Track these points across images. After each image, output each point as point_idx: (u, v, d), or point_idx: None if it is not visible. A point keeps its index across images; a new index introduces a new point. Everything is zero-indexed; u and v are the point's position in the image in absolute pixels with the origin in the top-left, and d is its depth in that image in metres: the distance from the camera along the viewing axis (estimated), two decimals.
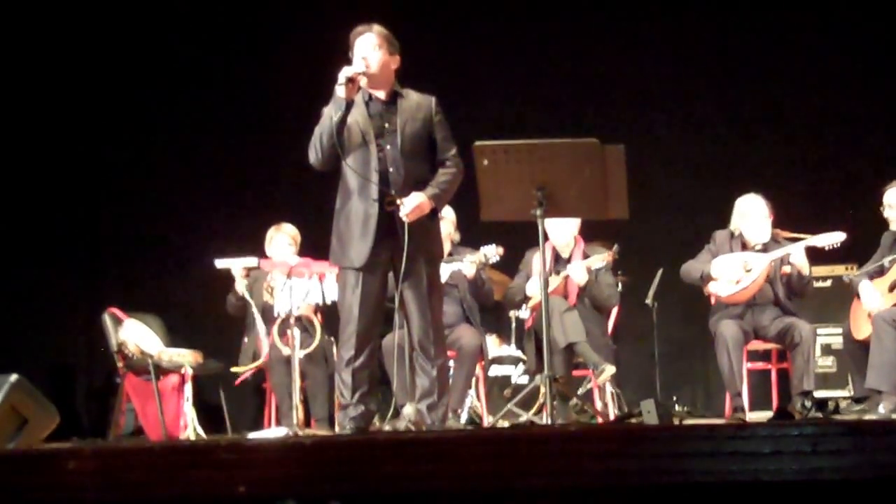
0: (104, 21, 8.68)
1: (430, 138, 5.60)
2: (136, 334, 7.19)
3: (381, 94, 5.57)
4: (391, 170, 5.49)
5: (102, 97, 8.70)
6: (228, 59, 8.76)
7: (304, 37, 8.40)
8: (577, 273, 7.19)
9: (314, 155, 5.54)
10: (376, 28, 5.55)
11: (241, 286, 7.04)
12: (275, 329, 6.72)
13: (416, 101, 5.61)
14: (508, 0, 8.75)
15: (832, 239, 6.79)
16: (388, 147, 5.50)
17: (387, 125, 5.53)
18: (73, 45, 8.64)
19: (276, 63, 8.64)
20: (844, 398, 7.34)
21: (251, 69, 8.70)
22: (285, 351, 6.71)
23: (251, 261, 6.99)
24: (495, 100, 8.59)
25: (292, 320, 6.58)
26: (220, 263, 7.01)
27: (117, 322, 7.31)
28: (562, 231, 7.26)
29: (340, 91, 5.37)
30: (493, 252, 7.04)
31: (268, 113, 8.65)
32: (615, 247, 7.23)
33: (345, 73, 5.38)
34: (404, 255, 5.40)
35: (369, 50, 5.48)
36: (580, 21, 8.66)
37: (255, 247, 7.34)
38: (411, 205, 5.41)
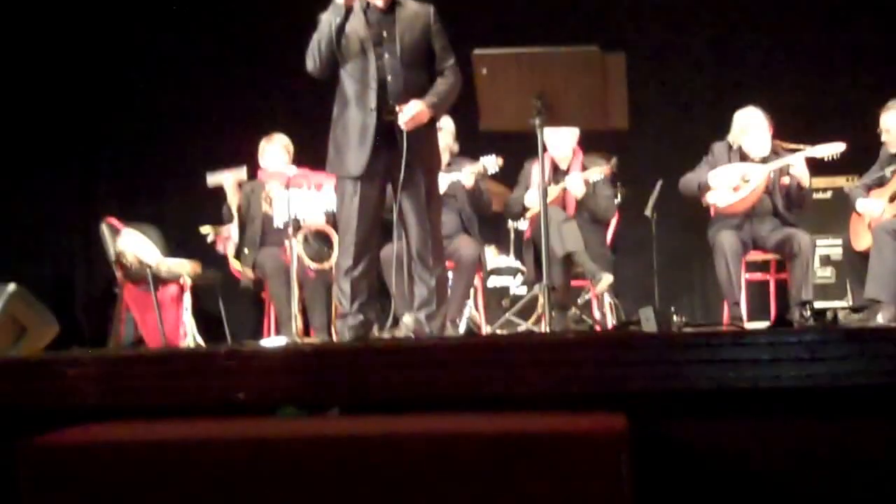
0: None
1: (429, 48, 5.57)
2: (133, 244, 7.19)
3: (379, 2, 5.52)
4: (389, 78, 5.46)
5: (95, 12, 8.58)
6: None
7: None
8: (575, 185, 7.17)
9: (312, 62, 5.51)
10: None
11: (232, 201, 7.03)
12: (296, 240, 6.68)
13: (414, 11, 5.57)
14: None
15: (832, 149, 6.77)
16: (387, 55, 5.47)
17: (385, 34, 5.49)
18: None
19: None
20: (843, 308, 7.36)
21: None
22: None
23: (240, 172, 6.98)
24: (494, 8, 8.49)
25: (291, 230, 6.60)
26: (211, 179, 7.00)
27: (115, 232, 7.31)
28: (561, 142, 7.22)
29: None
30: (492, 162, 7.02)
31: (263, 21, 8.56)
32: (613, 160, 7.21)
33: None
34: (402, 164, 5.38)
35: None
36: None
37: (252, 157, 7.32)
38: (410, 112, 5.39)
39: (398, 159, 5.41)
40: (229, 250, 7.15)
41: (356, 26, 5.46)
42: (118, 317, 7.40)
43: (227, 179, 7.03)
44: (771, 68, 8.34)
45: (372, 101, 5.43)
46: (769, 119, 6.99)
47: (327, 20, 5.41)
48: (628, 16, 8.46)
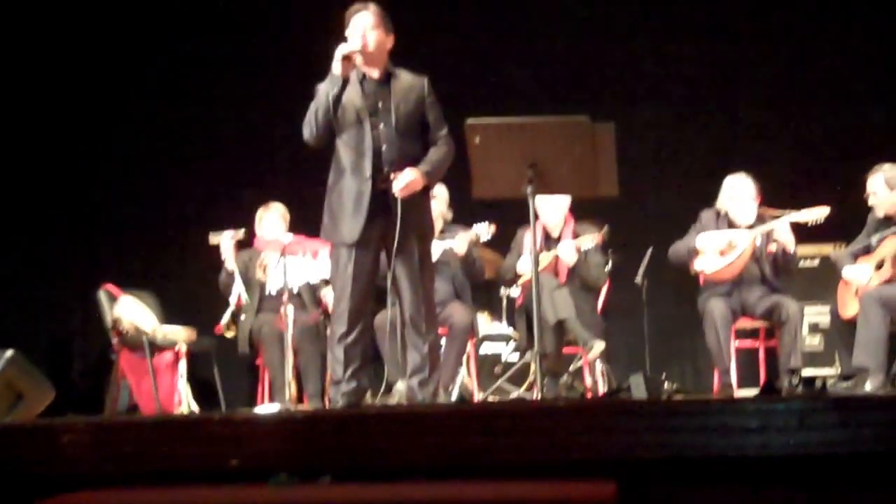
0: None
1: (423, 118, 5.66)
2: (130, 311, 7.23)
3: (375, 73, 5.61)
4: (384, 147, 5.53)
5: (98, 75, 8.70)
6: (222, 36, 8.76)
7: (297, 14, 8.43)
8: (567, 253, 7.24)
9: (309, 131, 5.58)
10: (372, 7, 5.58)
11: (229, 261, 7.07)
12: (285, 309, 6.72)
13: (408, 82, 5.66)
14: None
15: (816, 214, 6.84)
16: (382, 125, 5.55)
17: (380, 104, 5.57)
18: (68, 25, 8.65)
19: (269, 40, 8.67)
20: (832, 376, 7.40)
21: (245, 45, 8.71)
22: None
23: (238, 233, 7.04)
24: (487, 79, 8.62)
25: (286, 297, 6.64)
26: (213, 237, 7.06)
27: (112, 298, 7.36)
28: (553, 210, 7.30)
29: (337, 68, 5.42)
30: (485, 230, 7.09)
31: (262, 91, 8.66)
32: (605, 228, 7.28)
33: (342, 50, 5.42)
34: (397, 231, 5.44)
35: (367, 28, 5.52)
36: (572, 2, 8.69)
37: (249, 225, 7.39)
38: (404, 180, 5.46)
39: (393, 226, 5.47)
40: (224, 316, 7.17)
41: (352, 96, 5.54)
42: (114, 383, 7.41)
43: (225, 238, 7.08)
44: (760, 136, 8.46)
45: (367, 170, 5.50)
46: (757, 186, 7.08)
47: (325, 90, 5.50)
48: (617, 86, 8.59)
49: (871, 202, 6.92)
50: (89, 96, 8.70)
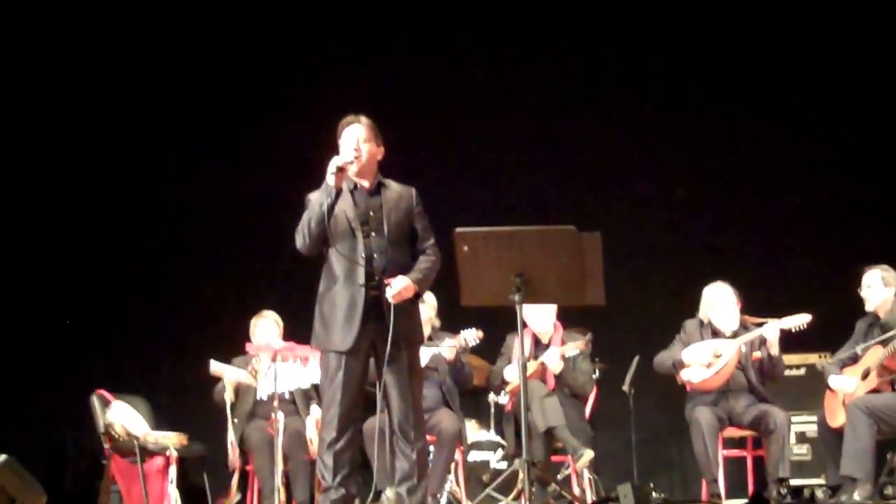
0: (87, 101, 8.89)
1: (411, 228, 5.78)
2: (122, 416, 7.27)
3: (366, 184, 5.74)
4: (376, 256, 5.64)
5: (91, 174, 8.86)
6: (212, 146, 8.94)
7: (289, 126, 8.63)
8: (552, 361, 7.31)
9: (302, 240, 5.66)
10: (364, 120, 5.73)
11: (227, 395, 7.12)
12: (275, 414, 6.76)
13: (398, 192, 5.80)
14: (485, 91, 8.97)
15: (798, 320, 6.95)
16: (374, 234, 5.66)
17: (372, 213, 5.69)
18: (61, 122, 8.83)
19: (258, 150, 8.86)
20: (820, 486, 7.41)
21: (232, 154, 8.90)
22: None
23: (244, 375, 7.09)
24: (474, 189, 8.79)
25: (276, 403, 6.68)
26: (214, 367, 7.09)
27: (105, 404, 7.40)
28: (542, 317, 7.39)
29: (331, 179, 5.53)
30: (472, 336, 7.17)
31: (252, 198, 8.83)
32: (588, 335, 7.37)
33: (335, 162, 5.54)
34: (389, 337, 5.52)
35: (360, 141, 5.66)
36: (557, 113, 8.91)
37: (241, 333, 7.47)
38: (397, 287, 5.55)
39: (383, 333, 5.54)
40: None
41: (344, 206, 5.66)
42: (105, 488, 7.41)
43: (228, 374, 7.12)
44: (742, 244, 8.59)
45: (360, 278, 5.59)
46: (737, 294, 7.19)
47: (318, 200, 5.60)
48: (603, 195, 8.77)
49: (863, 294, 7.03)
50: (83, 195, 8.84)
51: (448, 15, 8.94)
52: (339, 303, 5.62)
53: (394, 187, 5.80)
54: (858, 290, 7.04)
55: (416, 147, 8.22)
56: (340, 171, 5.55)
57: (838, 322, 7.23)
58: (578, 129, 8.86)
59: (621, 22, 8.88)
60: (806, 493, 7.43)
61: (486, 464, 7.70)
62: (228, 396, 7.09)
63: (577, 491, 7.12)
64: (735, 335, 7.12)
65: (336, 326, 5.61)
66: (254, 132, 8.91)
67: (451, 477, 7.27)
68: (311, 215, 5.60)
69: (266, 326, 7.48)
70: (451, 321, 7.34)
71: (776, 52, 8.65)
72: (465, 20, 8.96)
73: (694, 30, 8.77)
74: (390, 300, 5.54)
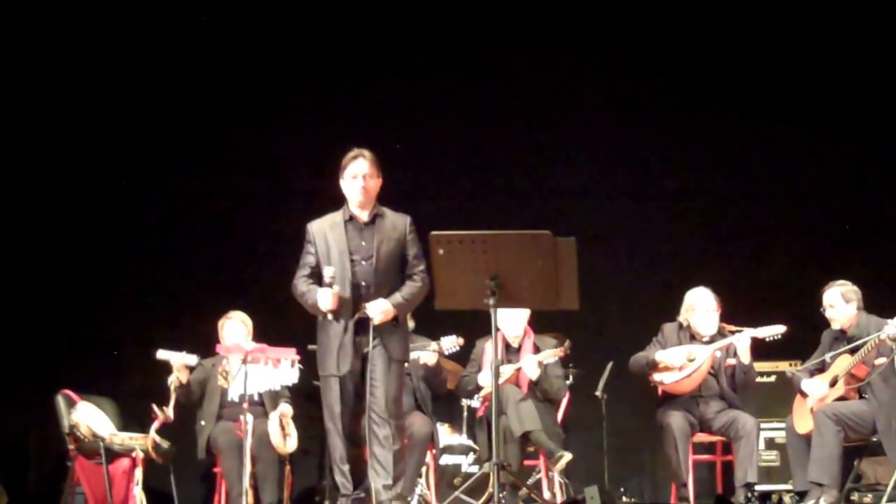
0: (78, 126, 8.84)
1: (403, 255, 6.05)
2: (88, 416, 7.20)
3: (364, 216, 6.02)
4: (363, 284, 5.94)
5: (59, 175, 8.77)
6: (183, 149, 8.91)
7: (253, 127, 8.62)
8: (530, 368, 7.31)
9: (298, 298, 6.05)
10: (368, 154, 6.01)
11: (172, 380, 7.06)
12: (245, 416, 6.73)
13: (392, 221, 6.06)
14: (456, 95, 8.97)
15: (773, 331, 7.01)
16: (363, 263, 5.96)
17: (364, 244, 5.99)
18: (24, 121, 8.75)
19: (225, 149, 8.84)
20: (787, 491, 7.46)
21: (202, 156, 8.88)
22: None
23: (191, 358, 7.05)
24: (450, 194, 8.79)
25: (245, 405, 6.63)
26: (161, 354, 7.04)
27: (70, 404, 7.33)
28: (513, 321, 7.39)
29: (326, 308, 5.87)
30: (452, 343, 7.22)
31: (222, 199, 8.84)
32: (567, 342, 7.37)
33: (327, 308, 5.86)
34: (370, 349, 5.84)
35: (366, 177, 5.95)
36: (537, 121, 8.93)
37: (210, 333, 7.42)
38: (376, 309, 5.85)
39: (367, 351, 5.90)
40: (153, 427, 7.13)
41: (338, 237, 5.96)
42: (69, 489, 7.33)
43: (175, 359, 7.05)
44: (720, 252, 8.64)
45: (349, 306, 5.90)
46: (718, 300, 7.22)
47: (312, 299, 5.92)
48: (579, 200, 8.78)
49: (827, 314, 7.07)
50: (52, 203, 8.77)
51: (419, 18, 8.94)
52: (333, 333, 5.95)
53: (389, 217, 6.09)
54: (821, 310, 7.08)
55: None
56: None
57: (809, 332, 7.28)
58: (555, 129, 8.88)
59: (597, 21, 8.91)
60: (774, 498, 7.51)
61: (457, 467, 7.71)
62: (173, 380, 7.03)
63: (547, 495, 7.12)
64: (712, 340, 7.16)
65: (332, 354, 5.95)
66: (219, 133, 8.88)
67: (422, 480, 7.26)
68: (310, 302, 5.96)
69: (233, 327, 7.43)
70: (423, 325, 7.31)
71: (757, 58, 8.74)
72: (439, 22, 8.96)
73: (670, 33, 8.82)
74: (375, 320, 5.84)
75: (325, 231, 6.02)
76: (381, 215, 6.04)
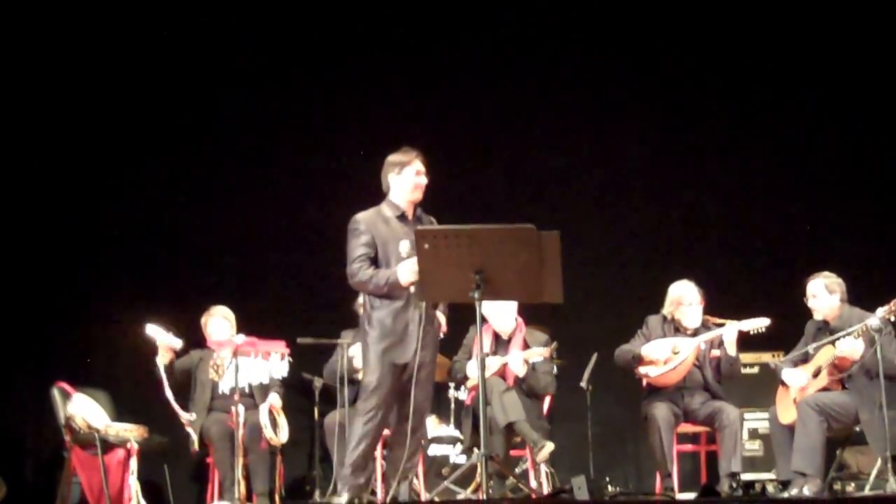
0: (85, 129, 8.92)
1: None
2: (83, 408, 7.29)
3: (410, 213, 6.13)
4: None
5: (48, 170, 8.86)
6: (169, 146, 8.99)
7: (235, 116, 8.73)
8: (517, 365, 7.39)
9: (370, 287, 6.03)
10: (420, 155, 6.14)
11: (159, 358, 7.14)
12: (236, 408, 6.82)
13: (428, 220, 6.20)
14: (440, 94, 9.06)
15: (757, 323, 7.09)
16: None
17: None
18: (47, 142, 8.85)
19: (210, 142, 8.92)
20: (771, 480, 7.55)
21: (185, 152, 8.97)
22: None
23: (176, 341, 7.13)
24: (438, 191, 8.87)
25: (237, 397, 6.73)
26: (150, 330, 7.12)
27: (66, 396, 7.42)
28: (503, 315, 7.47)
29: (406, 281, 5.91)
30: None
31: (207, 192, 8.92)
32: (553, 344, 7.43)
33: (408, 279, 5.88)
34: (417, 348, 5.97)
35: (423, 174, 6.12)
36: (523, 122, 9.03)
37: (193, 330, 7.52)
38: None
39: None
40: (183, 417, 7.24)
41: (396, 230, 6.04)
42: (65, 480, 7.44)
43: (161, 339, 7.12)
44: (702, 245, 8.72)
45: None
46: (701, 293, 7.30)
47: (384, 276, 5.95)
48: (562, 195, 8.86)
49: (810, 304, 7.14)
50: (42, 196, 8.86)
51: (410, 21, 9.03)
52: (407, 317, 6.03)
53: (425, 218, 6.20)
54: (804, 300, 7.17)
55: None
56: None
57: (793, 323, 7.35)
58: (538, 125, 8.97)
59: (584, 23, 8.99)
60: (757, 487, 7.60)
61: (445, 458, 7.79)
62: (161, 360, 7.11)
63: (534, 485, 7.21)
64: (696, 333, 7.24)
65: (410, 340, 6.02)
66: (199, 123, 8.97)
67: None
68: (382, 282, 5.95)
69: (217, 324, 7.53)
70: None
71: (739, 52, 8.81)
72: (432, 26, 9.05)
73: (656, 31, 8.89)
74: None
75: (376, 223, 6.06)
76: (421, 214, 6.18)
